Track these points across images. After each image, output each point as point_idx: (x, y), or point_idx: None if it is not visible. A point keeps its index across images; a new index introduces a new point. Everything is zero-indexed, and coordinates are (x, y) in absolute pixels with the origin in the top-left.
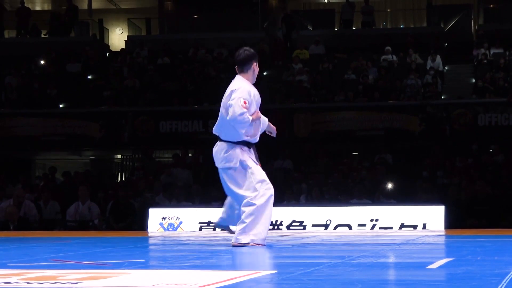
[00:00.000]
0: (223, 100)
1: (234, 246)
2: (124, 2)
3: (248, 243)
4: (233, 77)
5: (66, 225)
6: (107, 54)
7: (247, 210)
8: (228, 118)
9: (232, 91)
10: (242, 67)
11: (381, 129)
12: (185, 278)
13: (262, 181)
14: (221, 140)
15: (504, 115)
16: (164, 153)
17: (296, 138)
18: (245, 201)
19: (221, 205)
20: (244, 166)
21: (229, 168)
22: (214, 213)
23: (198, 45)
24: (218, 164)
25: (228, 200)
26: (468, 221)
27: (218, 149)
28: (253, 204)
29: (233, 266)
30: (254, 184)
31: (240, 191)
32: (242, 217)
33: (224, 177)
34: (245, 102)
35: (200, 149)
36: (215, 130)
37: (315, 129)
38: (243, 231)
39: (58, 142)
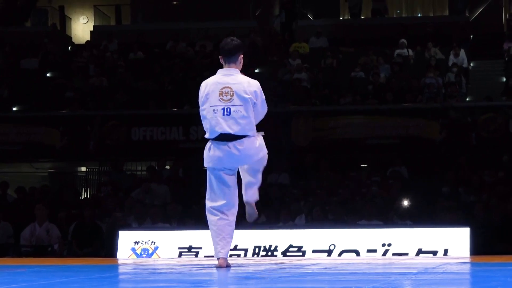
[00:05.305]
0: (242, 94)
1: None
2: None
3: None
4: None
5: (21, 251)
6: (70, 47)
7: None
8: (262, 110)
9: (253, 89)
10: (231, 57)
11: (395, 137)
12: None
13: None
14: (243, 137)
15: None
16: (137, 165)
17: (294, 147)
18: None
19: (205, 227)
20: None
21: (261, 158)
22: (196, 237)
23: (177, 37)
24: (253, 159)
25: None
26: (498, 246)
27: (247, 145)
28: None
29: None
30: None
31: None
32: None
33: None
34: None
35: (180, 161)
36: (239, 132)
37: (317, 136)
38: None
39: (11, 152)
